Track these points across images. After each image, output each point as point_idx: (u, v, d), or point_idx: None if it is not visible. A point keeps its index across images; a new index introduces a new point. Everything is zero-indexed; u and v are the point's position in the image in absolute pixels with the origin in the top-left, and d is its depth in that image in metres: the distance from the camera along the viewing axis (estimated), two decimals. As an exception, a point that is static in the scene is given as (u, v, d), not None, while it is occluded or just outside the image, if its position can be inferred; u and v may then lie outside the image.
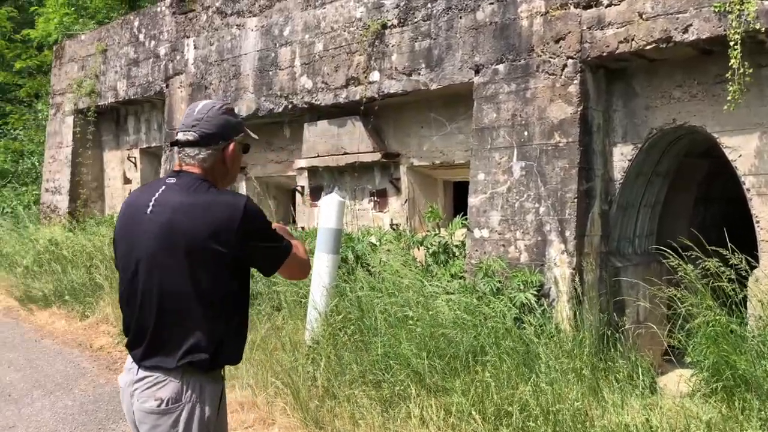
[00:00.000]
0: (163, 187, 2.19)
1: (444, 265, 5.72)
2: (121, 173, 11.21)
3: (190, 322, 2.11)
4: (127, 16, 10.88)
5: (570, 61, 5.46)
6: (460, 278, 5.72)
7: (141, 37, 9.98)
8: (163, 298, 2.12)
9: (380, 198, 7.34)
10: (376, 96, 6.82)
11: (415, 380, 4.28)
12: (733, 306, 4.42)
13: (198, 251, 2.08)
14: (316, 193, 7.87)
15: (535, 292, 5.28)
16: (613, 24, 5.22)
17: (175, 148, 2.31)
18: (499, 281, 5.44)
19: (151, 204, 2.16)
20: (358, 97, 6.94)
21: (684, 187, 7.06)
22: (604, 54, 5.27)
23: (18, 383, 5.51)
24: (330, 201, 4.93)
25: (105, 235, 8.73)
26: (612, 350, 4.97)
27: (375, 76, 6.83)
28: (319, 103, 7.37)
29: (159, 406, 2.09)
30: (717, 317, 4.33)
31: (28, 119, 15.22)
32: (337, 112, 7.45)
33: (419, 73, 6.50)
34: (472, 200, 5.98)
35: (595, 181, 5.59)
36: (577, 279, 5.32)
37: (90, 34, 11.13)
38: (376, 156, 7.04)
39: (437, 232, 6.08)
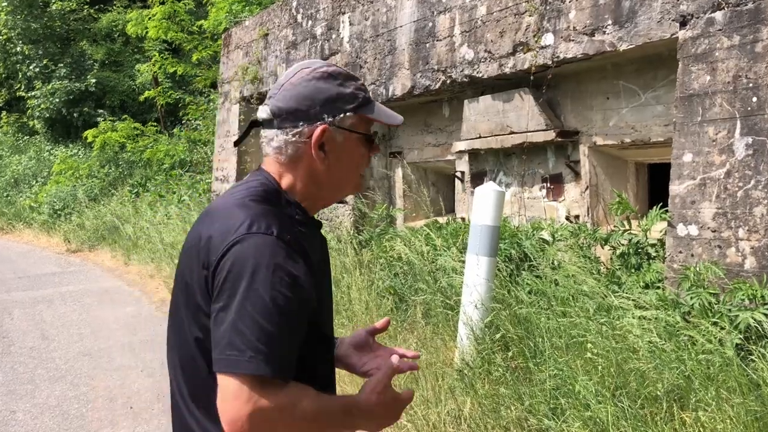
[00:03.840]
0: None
1: (636, 271, 4.52)
2: (283, 160, 11.11)
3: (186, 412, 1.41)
4: (287, -2, 10.65)
5: (826, -4, 3.95)
6: (657, 288, 4.48)
7: (299, 17, 9.67)
8: (176, 361, 1.47)
9: (554, 184, 6.22)
10: (550, 63, 5.70)
11: (595, 430, 3.24)
12: None
13: (191, 294, 1.39)
14: (478, 180, 6.93)
15: (767, 312, 3.91)
16: None
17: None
18: (714, 294, 4.14)
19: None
20: (527, 66, 5.86)
21: None
22: None
23: (145, 392, 5.29)
24: (485, 192, 3.98)
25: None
26: None
27: (548, 39, 5.71)
28: (481, 75, 6.39)
29: None
30: None
31: (206, 109, 15.94)
32: (503, 85, 6.42)
33: (604, 32, 5.27)
34: (676, 188, 4.68)
35: None
36: (832, 297, 3.86)
37: (253, 19, 11.10)
38: (550, 134, 5.93)
39: (627, 227, 4.87)
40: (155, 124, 18.01)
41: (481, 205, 4.14)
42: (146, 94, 17.83)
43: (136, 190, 15.17)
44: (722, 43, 4.48)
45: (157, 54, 16.86)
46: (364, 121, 1.48)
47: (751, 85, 4.31)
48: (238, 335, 1.20)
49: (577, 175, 6.06)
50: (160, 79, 17.95)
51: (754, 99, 4.29)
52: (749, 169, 4.28)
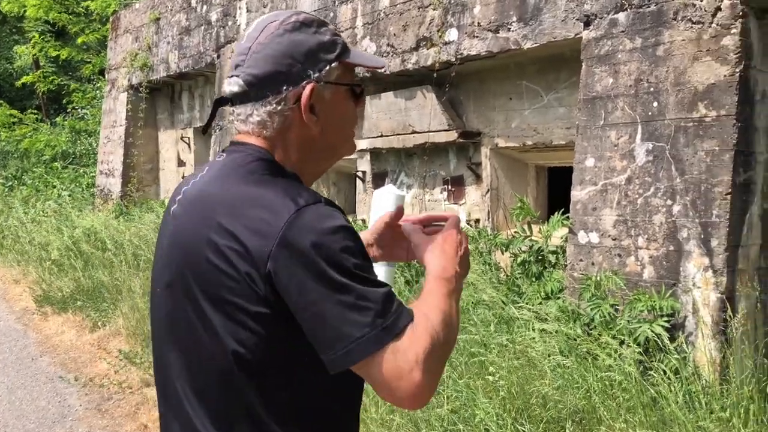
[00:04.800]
0: (206, 168, 1.32)
1: (536, 280, 4.32)
2: (175, 155, 10.37)
3: None
4: (182, -19, 9.92)
5: (726, 2, 3.89)
6: (558, 298, 4.30)
7: (193, 2, 9.00)
8: (177, 372, 1.24)
9: (455, 187, 5.98)
10: (453, 60, 5.44)
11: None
12: None
13: (205, 290, 1.16)
14: (379, 180, 6.61)
15: (666, 323, 3.80)
16: (797, -56, 3.61)
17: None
18: (614, 305, 4.00)
19: (179, 198, 1.30)
20: (430, 62, 5.58)
21: None
22: (781, -12, 3.67)
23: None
24: (383, 194, 3.60)
25: (149, 224, 7.81)
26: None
27: (452, 34, 5.45)
28: (383, 71, 6.06)
29: None
30: None
31: (93, 97, 14.75)
32: (405, 82, 6.12)
33: (509, 29, 5.06)
34: (578, 193, 4.52)
35: (756, 169, 4.01)
36: (728, 307, 3.80)
37: (144, 1, 10.28)
38: (452, 135, 5.68)
39: (528, 233, 4.67)
40: (36, 111, 16.52)
41: (379, 208, 3.79)
42: (25, 78, 16.27)
43: (10, 183, 13.78)
44: (625, 45, 4.36)
45: (37, 35, 15.40)
46: (348, 70, 1.30)
47: (652, 89, 4.20)
48: (355, 311, 1.07)
49: (478, 178, 5.85)
50: (41, 63, 16.46)
51: (655, 104, 4.19)
52: (649, 175, 4.17)
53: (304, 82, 1.22)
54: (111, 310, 5.90)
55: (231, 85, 1.25)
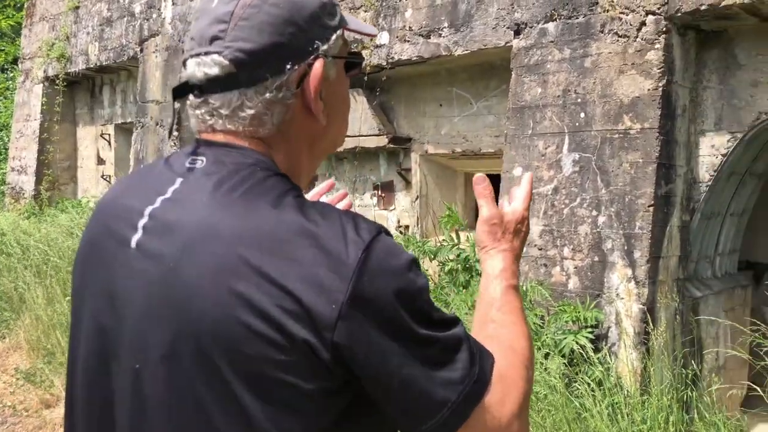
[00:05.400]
0: (179, 181, 0.93)
1: (464, 289, 4.27)
2: (95, 152, 9.83)
3: None
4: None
5: (650, 17, 3.94)
6: (486, 307, 4.26)
7: (115, -8, 8.55)
8: None
9: (385, 192, 5.88)
10: (385, 63, 5.34)
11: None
12: None
13: (236, 365, 0.83)
14: (309, 184, 6.44)
15: (590, 334, 3.81)
16: (718, -37, 3.69)
17: (189, 100, 0.97)
18: (540, 316, 3.98)
19: (142, 221, 0.91)
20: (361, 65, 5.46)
21: (772, 191, 5.54)
22: (703, 7, 3.74)
23: None
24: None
25: (62, 226, 7.33)
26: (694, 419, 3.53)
27: (384, 37, 5.35)
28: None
29: None
30: None
31: (6, 88, 13.86)
32: (336, 84, 5.98)
33: (440, 34, 5.00)
34: (505, 202, 4.49)
35: (676, 182, 4.09)
36: (648, 318, 3.84)
37: (62, -11, 9.70)
38: (382, 140, 5.58)
39: (456, 241, 4.61)
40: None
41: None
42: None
43: None
44: (554, 55, 4.37)
45: (-58, 19, 14.38)
46: (345, 41, 1.01)
47: (579, 100, 4.22)
48: (445, 368, 0.85)
49: (408, 184, 5.77)
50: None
51: (582, 115, 4.21)
52: (575, 186, 4.19)
53: (311, 57, 0.92)
54: (12, 321, 5.46)
55: (205, 67, 0.90)
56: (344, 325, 0.80)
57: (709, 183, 4.19)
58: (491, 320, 0.99)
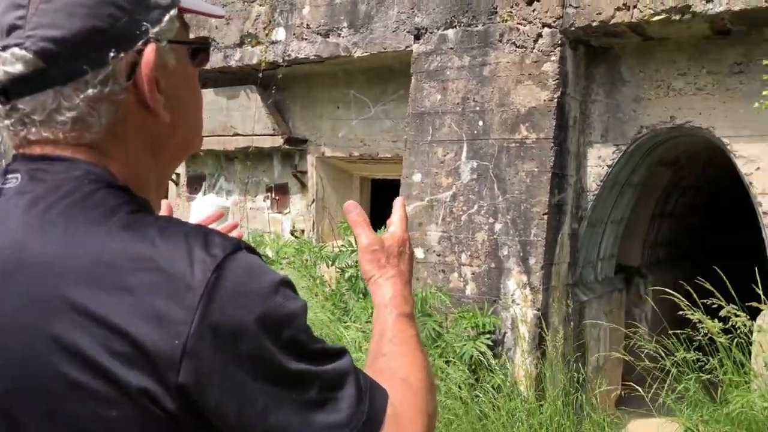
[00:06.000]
0: None
1: (363, 296, 4.18)
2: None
3: None
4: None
5: (546, 30, 4.06)
6: (385, 314, 4.19)
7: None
8: None
9: (280, 195, 5.68)
10: (281, 61, 5.14)
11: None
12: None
13: (58, 425, 0.66)
14: (195, 183, 6.08)
15: (488, 340, 3.85)
16: (609, -17, 3.86)
17: None
18: (439, 323, 3.97)
19: None
20: (255, 61, 5.23)
21: (645, 200, 5.94)
22: (594, 24, 3.90)
23: None
24: (203, 206, 3.21)
25: None
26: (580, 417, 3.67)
27: (280, 34, 5.15)
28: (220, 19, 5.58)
29: None
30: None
31: None
32: (228, 80, 5.69)
33: (339, 34, 4.89)
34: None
35: (568, 191, 4.24)
36: (543, 323, 3.95)
37: None
38: (277, 141, 5.38)
39: (355, 247, 4.51)
40: None
41: (195, 221, 3.38)
42: None
43: None
44: (453, 62, 4.39)
45: None
46: (183, 24, 0.84)
47: (478, 108, 4.27)
48: (326, 409, 0.71)
49: (303, 187, 5.61)
50: None
51: (480, 123, 4.26)
52: (473, 193, 4.23)
53: (140, 42, 0.76)
54: None
55: (6, 65, 0.73)
56: (191, 363, 0.65)
57: (596, 192, 4.39)
58: (382, 353, 0.88)
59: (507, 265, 4.08)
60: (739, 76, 3.89)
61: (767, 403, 3.14)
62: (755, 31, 3.74)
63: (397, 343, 0.89)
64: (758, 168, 3.86)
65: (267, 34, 5.16)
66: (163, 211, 1.18)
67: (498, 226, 4.13)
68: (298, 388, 0.70)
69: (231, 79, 5.65)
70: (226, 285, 0.67)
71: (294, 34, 5.08)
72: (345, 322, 3.85)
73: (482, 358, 3.66)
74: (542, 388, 3.78)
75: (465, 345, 3.73)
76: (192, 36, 0.88)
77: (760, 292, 3.52)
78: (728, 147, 3.97)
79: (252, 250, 0.74)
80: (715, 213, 7.86)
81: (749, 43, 3.84)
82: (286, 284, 0.73)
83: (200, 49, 0.86)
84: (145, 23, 0.76)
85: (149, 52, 0.75)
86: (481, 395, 3.44)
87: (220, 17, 0.96)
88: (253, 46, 5.24)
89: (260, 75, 5.23)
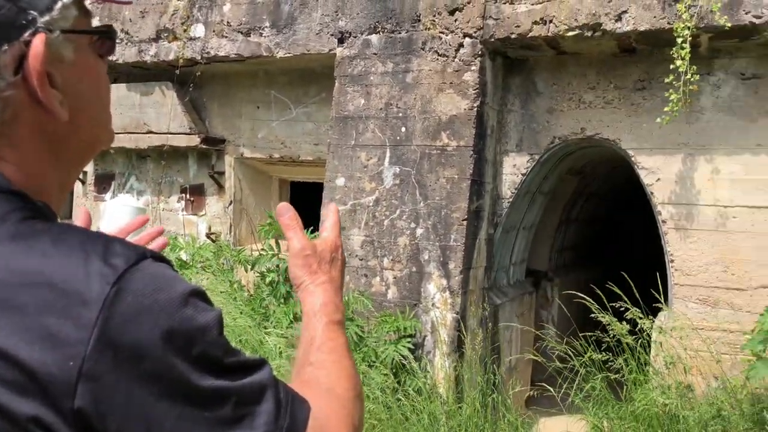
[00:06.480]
0: None
1: (285, 301, 4.13)
2: None
3: None
4: None
5: (468, 40, 4.17)
6: (306, 319, 4.16)
7: None
8: None
9: (195, 196, 5.51)
10: (199, 58, 4.99)
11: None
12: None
13: None
14: (104, 182, 5.79)
15: (409, 343, 3.91)
16: (528, -2, 4.02)
17: None
18: (361, 327, 3.99)
19: None
20: (172, 57, 5.05)
21: (554, 206, 6.22)
22: (513, 36, 4.05)
23: None
24: (116, 208, 3.06)
25: None
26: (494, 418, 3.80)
27: (199, 30, 5.00)
28: (115, 59, 5.32)
29: None
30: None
31: None
32: (142, 75, 5.46)
33: (261, 34, 4.81)
34: (327, 212, 4.45)
35: (485, 198, 4.38)
36: (461, 326, 4.06)
37: None
38: (194, 140, 5.22)
39: (276, 250, 4.46)
40: None
41: (112, 225, 3.21)
42: None
43: None
44: (377, 67, 4.42)
45: None
46: (83, 11, 0.76)
47: (401, 114, 4.32)
48: (238, 426, 0.66)
49: (221, 188, 5.47)
50: None
51: (403, 129, 4.32)
52: (396, 198, 4.28)
53: (27, 32, 0.70)
54: None
55: None
56: (89, 386, 0.60)
57: (511, 199, 4.55)
58: (309, 362, 0.86)
59: (428, 270, 4.16)
60: (642, 92, 4.16)
61: (666, 400, 3.37)
62: (657, 50, 4.01)
63: (325, 351, 0.87)
64: (659, 179, 4.14)
65: (185, 30, 5.00)
66: (79, 220, 1.11)
67: (419, 231, 4.20)
68: (211, 405, 0.66)
69: (146, 74, 5.43)
70: (128, 299, 0.62)
71: (214, 31, 4.94)
72: (266, 328, 3.78)
73: (404, 362, 3.70)
74: (461, 389, 3.87)
75: (387, 349, 3.77)
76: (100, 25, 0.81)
77: (660, 297, 3.78)
78: (633, 159, 4.23)
79: (161, 259, 0.70)
80: (617, 220, 8.36)
81: (652, 62, 4.11)
82: (197, 295, 0.69)
83: (104, 38, 0.80)
84: (32, 12, 0.70)
85: (37, 43, 0.69)
86: (402, 399, 3.48)
87: (127, 3, 0.91)
88: (169, 42, 5.06)
89: (177, 72, 5.05)
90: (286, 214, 0.97)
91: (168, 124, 5.23)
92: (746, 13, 3.51)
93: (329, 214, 1.04)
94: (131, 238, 1.15)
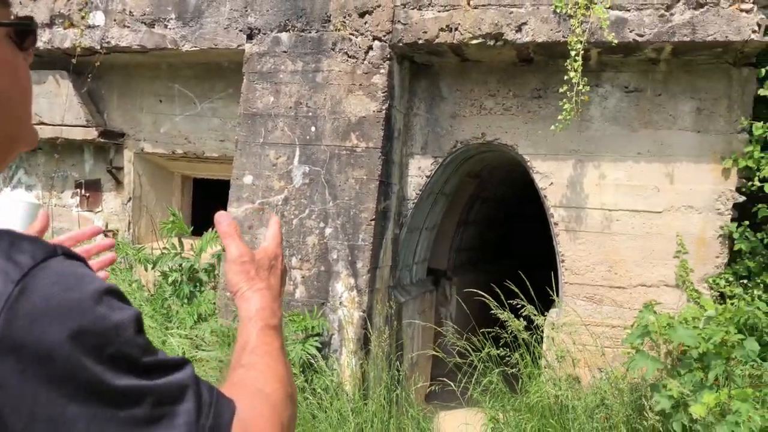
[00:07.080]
0: None
1: (188, 301, 4.04)
2: None
3: None
4: None
5: (377, 43, 4.26)
6: (213, 318, 4.10)
7: None
8: None
9: (91, 192, 5.25)
10: (98, 48, 4.77)
11: None
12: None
13: None
14: (-14, 176, 5.40)
15: (316, 342, 3.95)
16: (435, 5, 4.16)
17: None
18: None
19: None
20: (68, 45, 4.79)
21: (454, 208, 6.46)
22: (420, 41, 4.18)
23: None
24: (7, 204, 2.88)
25: None
26: (398, 414, 3.92)
27: (98, 18, 4.77)
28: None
29: None
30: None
31: None
32: (34, 63, 5.12)
33: (166, 26, 4.66)
34: (234, 210, 4.39)
35: (392, 199, 4.49)
36: (368, 324, 4.14)
37: None
38: (91, 133, 4.97)
39: (179, 249, 4.35)
40: None
41: (4, 222, 3.00)
42: None
43: None
44: (287, 65, 4.42)
45: None
46: (2, 2, 0.74)
47: (311, 114, 4.34)
48: (156, 427, 0.64)
49: (119, 184, 5.25)
50: None
51: (313, 128, 4.34)
52: (305, 198, 4.30)
53: None
54: None
55: None
56: None
57: (415, 200, 4.69)
58: (240, 365, 0.85)
59: (336, 269, 4.20)
60: (539, 100, 4.42)
61: (558, 391, 3.61)
62: (552, 61, 4.27)
63: (258, 354, 0.86)
64: (552, 183, 4.42)
65: (83, 17, 4.75)
66: (38, 221, 1.08)
67: (328, 231, 4.24)
68: (126, 405, 0.64)
69: (38, 62, 5.10)
70: (33, 298, 0.60)
71: (115, 20, 4.74)
72: (169, 329, 3.69)
73: (312, 361, 3.74)
74: (367, 386, 3.95)
75: (294, 348, 3.78)
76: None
77: (554, 294, 4.04)
78: (528, 163, 4.48)
79: (73, 256, 0.67)
80: (513, 222, 8.77)
81: (548, 72, 4.37)
82: (112, 293, 0.67)
83: (24, 31, 0.76)
84: None
85: None
86: (310, 397, 3.51)
87: None
88: (65, 29, 4.79)
89: (74, 61, 4.79)
90: (224, 222, 0.97)
91: (62, 116, 4.95)
92: (630, 32, 3.82)
93: (271, 224, 1.05)
94: (79, 249, 1.09)
